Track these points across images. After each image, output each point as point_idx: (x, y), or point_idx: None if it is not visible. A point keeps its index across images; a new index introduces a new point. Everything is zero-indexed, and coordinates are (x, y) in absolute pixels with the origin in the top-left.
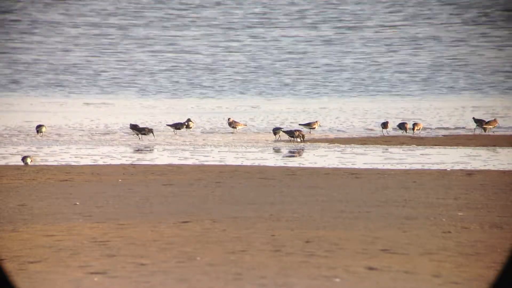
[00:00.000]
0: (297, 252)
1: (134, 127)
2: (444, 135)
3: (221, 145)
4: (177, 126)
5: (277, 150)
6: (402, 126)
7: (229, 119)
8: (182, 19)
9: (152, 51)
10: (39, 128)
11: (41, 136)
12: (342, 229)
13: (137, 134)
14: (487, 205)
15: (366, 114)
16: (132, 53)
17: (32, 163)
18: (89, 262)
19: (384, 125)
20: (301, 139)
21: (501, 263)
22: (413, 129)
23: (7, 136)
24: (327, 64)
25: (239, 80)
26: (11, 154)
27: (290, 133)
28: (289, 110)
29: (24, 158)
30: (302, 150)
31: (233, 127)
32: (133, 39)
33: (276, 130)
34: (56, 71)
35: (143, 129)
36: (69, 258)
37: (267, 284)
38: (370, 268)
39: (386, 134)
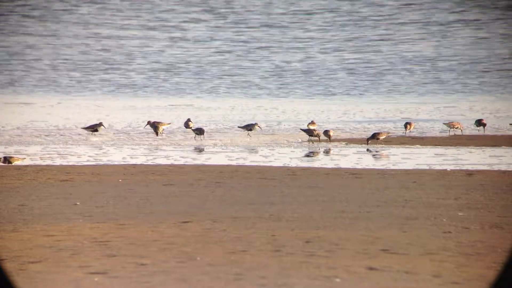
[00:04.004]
0: (297, 252)
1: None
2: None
3: (221, 145)
4: (93, 128)
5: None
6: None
7: (149, 121)
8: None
9: None
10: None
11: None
12: (343, 229)
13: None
14: (488, 205)
15: (362, 114)
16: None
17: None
18: (89, 262)
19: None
20: (319, 138)
21: (502, 263)
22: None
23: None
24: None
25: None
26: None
27: (309, 132)
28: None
29: (5, 159)
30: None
31: (155, 128)
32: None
33: (307, 131)
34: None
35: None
36: (69, 258)
37: (268, 284)
38: (371, 268)
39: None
